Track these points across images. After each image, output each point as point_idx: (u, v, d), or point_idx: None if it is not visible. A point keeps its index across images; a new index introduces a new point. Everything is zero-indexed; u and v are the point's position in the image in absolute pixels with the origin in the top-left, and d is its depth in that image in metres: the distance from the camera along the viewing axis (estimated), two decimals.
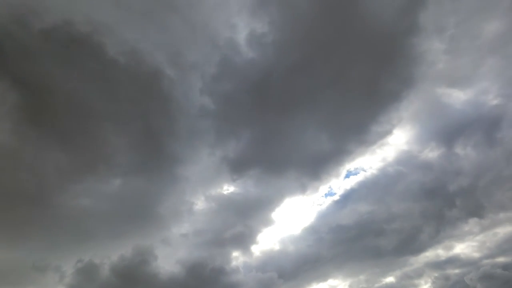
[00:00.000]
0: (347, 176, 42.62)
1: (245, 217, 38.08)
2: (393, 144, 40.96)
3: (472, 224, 38.82)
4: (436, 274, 39.76)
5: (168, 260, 31.90)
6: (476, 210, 37.57)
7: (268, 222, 39.90)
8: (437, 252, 40.44)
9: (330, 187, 42.63)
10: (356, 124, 34.79)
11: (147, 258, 29.65)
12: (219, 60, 28.69)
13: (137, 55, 24.49)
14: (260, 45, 29.36)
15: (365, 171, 42.32)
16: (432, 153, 39.45)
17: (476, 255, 39.30)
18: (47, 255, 27.29)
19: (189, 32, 28.55)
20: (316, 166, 36.73)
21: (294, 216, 42.87)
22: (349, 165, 40.48)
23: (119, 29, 24.13)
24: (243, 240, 38.16)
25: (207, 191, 36.00)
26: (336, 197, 42.57)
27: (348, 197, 42.08)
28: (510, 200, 36.74)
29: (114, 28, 23.70)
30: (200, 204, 36.21)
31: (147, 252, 29.94)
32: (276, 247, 40.93)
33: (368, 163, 42.06)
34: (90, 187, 28.78)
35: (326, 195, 43.27)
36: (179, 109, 28.25)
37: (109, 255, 29.02)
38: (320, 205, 42.87)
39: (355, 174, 42.83)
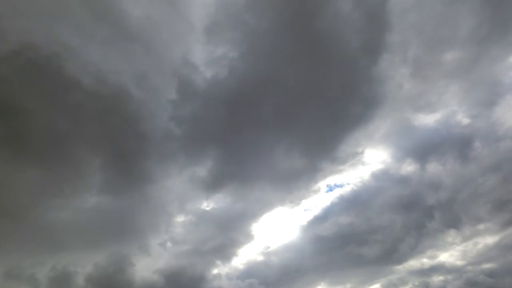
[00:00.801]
0: (327, 191, 43.21)
1: (225, 230, 38.51)
2: (369, 162, 41.99)
3: (452, 235, 39.91)
4: (420, 281, 39.69)
5: (146, 269, 32.07)
6: (454, 222, 38.94)
7: (248, 235, 40.21)
8: (422, 261, 40.78)
9: (310, 202, 42.91)
10: (325, 143, 35.58)
11: (124, 267, 29.85)
12: (179, 83, 29.36)
13: (101, 76, 25.16)
14: (221, 65, 30.14)
15: (342, 187, 43.03)
16: (409, 169, 40.57)
17: (460, 263, 39.69)
18: (21, 263, 27.38)
19: (150, 56, 29.24)
20: (290, 182, 37.26)
21: (275, 229, 43.02)
22: (324, 182, 40.92)
23: (82, 52, 24.77)
24: (224, 252, 38.51)
25: (184, 206, 36.41)
26: (317, 211, 42.90)
27: (328, 210, 42.49)
28: (486, 213, 37.97)
29: (77, 51, 24.37)
30: (178, 217, 36.72)
31: (124, 261, 30.19)
32: (258, 258, 40.91)
33: (345, 179, 42.77)
34: (66, 202, 29.39)
35: (306, 210, 43.41)
36: (147, 130, 28.87)
37: (85, 264, 29.15)
38: (302, 218, 43.25)
39: (333, 189, 43.47)
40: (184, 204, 35.75)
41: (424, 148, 38.76)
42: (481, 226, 39.42)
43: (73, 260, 28.98)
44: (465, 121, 38.39)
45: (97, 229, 30.93)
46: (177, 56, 29.25)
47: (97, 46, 25.34)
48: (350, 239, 40.78)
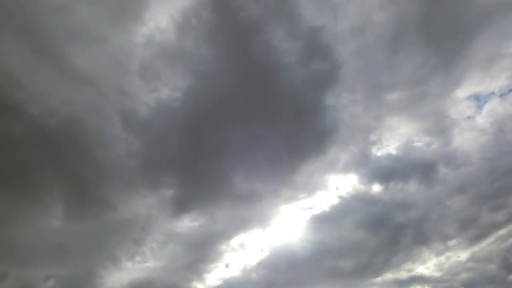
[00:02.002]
0: (294, 215, 43.48)
1: (196, 249, 39.02)
2: (336, 187, 42.72)
3: (426, 250, 41.57)
4: None
5: (114, 283, 32.28)
6: (426, 239, 40.92)
7: (220, 253, 40.62)
8: (400, 273, 41.83)
9: (280, 222, 43.12)
10: (284, 170, 36.03)
11: (90, 280, 29.92)
12: (122, 117, 29.23)
13: (51, 107, 25.26)
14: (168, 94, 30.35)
15: (311, 209, 43.52)
16: (376, 191, 41.84)
17: (437, 273, 40.95)
18: None
19: (96, 90, 28.68)
20: (254, 204, 37.75)
21: (248, 248, 42.79)
22: (289, 205, 41.42)
23: (25, 81, 24.64)
24: (196, 269, 39.06)
25: (151, 227, 36.54)
26: (288, 231, 43.21)
27: (300, 231, 42.99)
28: (454, 231, 40.29)
29: (21, 81, 24.24)
30: (146, 238, 36.91)
31: (90, 275, 30.36)
32: (232, 275, 41.18)
33: (311, 203, 43.18)
34: (29, 224, 29.68)
35: (277, 230, 43.56)
36: (104, 158, 29.10)
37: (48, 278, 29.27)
38: (274, 237, 43.62)
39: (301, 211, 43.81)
40: (151, 226, 35.97)
41: (390, 173, 40.36)
42: (452, 242, 41.28)
43: (37, 275, 29.29)
44: (424, 149, 40.48)
45: (62, 249, 31.17)
46: (118, 90, 29.16)
47: (44, 80, 25.38)
48: (325, 253, 41.75)
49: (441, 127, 38.43)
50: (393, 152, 40.64)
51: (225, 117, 30.89)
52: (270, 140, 33.22)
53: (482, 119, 39.38)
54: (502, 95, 38.60)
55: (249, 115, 31.71)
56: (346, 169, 40.50)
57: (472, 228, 39.40)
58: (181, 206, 34.60)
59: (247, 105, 31.13)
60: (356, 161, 39.91)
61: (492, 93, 38.80)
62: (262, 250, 42.68)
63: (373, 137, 39.05)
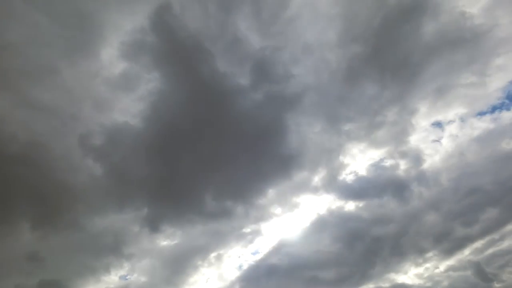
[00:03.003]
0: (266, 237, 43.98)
1: (172, 265, 39.08)
2: (310, 206, 43.46)
3: (405, 262, 42.77)
4: None
5: None
6: (404, 252, 42.16)
7: (197, 269, 40.54)
8: (382, 282, 42.34)
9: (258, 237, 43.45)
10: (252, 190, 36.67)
11: None
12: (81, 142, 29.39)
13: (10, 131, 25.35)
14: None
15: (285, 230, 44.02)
16: (352, 208, 43.34)
17: (419, 281, 41.98)
18: None
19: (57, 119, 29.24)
20: (227, 221, 37.78)
21: (227, 263, 42.73)
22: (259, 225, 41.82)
23: None
24: (174, 284, 38.87)
25: (127, 244, 36.35)
26: (266, 249, 43.65)
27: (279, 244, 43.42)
28: (429, 244, 41.70)
29: None
30: (123, 254, 36.67)
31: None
32: None
33: (286, 223, 43.59)
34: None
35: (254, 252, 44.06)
36: (74, 182, 29.30)
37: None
38: (253, 252, 43.91)
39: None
40: (127, 242, 35.84)
41: (363, 191, 42.00)
42: (429, 254, 42.49)
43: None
44: (393, 170, 42.48)
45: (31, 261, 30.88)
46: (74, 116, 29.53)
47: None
48: (304, 265, 41.95)
49: (406, 151, 40.94)
50: (363, 173, 42.86)
51: (187, 139, 31.06)
52: (236, 161, 33.70)
53: (445, 144, 42.75)
54: (462, 120, 42.28)
55: (210, 136, 31.93)
56: (318, 189, 41.79)
57: (447, 241, 40.92)
58: (155, 224, 34.60)
59: (205, 127, 31.40)
60: (328, 182, 41.40)
61: (451, 121, 42.41)
62: (241, 265, 43.04)
63: (340, 160, 40.79)
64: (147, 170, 30.81)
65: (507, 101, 41.35)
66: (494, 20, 35.48)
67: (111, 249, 35.64)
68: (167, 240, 38.79)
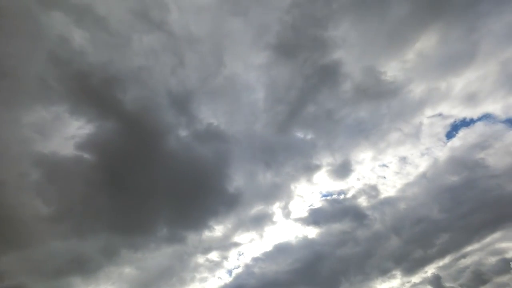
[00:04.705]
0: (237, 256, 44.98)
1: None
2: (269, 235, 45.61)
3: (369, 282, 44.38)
4: None
5: None
6: (369, 271, 43.87)
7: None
8: None
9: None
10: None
11: None
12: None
13: None
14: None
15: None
16: (314, 235, 45.87)
17: None
18: None
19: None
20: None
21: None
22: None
23: None
24: None
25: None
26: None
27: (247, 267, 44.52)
28: (392, 264, 43.61)
29: None
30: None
31: None
32: None
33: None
34: None
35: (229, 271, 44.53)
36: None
37: None
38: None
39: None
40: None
41: (323, 217, 45.33)
42: (392, 273, 43.88)
43: None
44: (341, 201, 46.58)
45: None
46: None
47: None
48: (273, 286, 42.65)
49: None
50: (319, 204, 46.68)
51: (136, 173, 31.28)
52: (184, 198, 34.57)
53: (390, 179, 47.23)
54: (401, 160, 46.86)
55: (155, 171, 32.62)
56: (278, 218, 45.13)
57: (408, 262, 43.02)
58: (114, 251, 34.59)
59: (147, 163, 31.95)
60: (286, 212, 45.13)
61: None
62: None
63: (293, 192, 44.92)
64: (103, 202, 30.53)
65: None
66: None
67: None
68: (126, 265, 38.13)
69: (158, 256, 37.43)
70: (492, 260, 41.53)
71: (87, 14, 28.01)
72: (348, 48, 39.40)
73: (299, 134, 44.52)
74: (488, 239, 41.66)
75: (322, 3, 35.96)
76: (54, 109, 30.56)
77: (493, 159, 42.11)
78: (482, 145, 43.04)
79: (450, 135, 45.57)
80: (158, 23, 32.40)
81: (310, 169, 43.84)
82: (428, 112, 44.16)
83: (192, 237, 37.30)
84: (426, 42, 40.17)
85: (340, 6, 36.46)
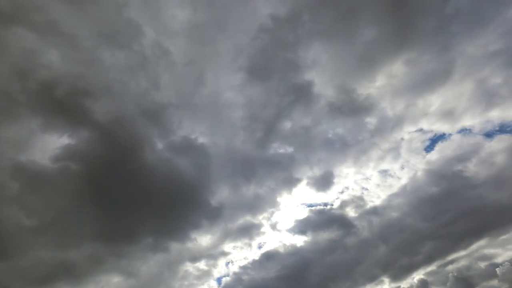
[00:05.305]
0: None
1: None
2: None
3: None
4: None
5: None
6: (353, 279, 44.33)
7: None
8: None
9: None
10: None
11: None
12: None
13: None
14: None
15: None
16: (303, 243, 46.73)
17: None
18: None
19: None
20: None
21: None
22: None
23: None
24: None
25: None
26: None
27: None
28: (379, 271, 44.26)
29: None
30: None
31: None
32: None
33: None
34: None
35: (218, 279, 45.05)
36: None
37: None
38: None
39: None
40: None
41: (310, 226, 46.50)
42: (380, 279, 44.52)
43: None
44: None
45: None
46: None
47: None
48: None
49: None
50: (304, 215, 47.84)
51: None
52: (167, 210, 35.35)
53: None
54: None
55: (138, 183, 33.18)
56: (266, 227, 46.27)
57: (391, 269, 43.87)
58: (100, 259, 35.11)
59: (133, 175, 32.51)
60: (273, 223, 46.48)
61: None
62: None
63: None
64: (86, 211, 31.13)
65: None
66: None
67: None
68: (114, 273, 38.47)
69: (143, 264, 38.02)
70: (481, 265, 42.50)
71: (53, 30, 28.82)
72: (320, 68, 41.88)
73: (279, 150, 46.54)
74: (474, 246, 42.69)
75: (288, 29, 38.44)
76: (26, 122, 31.56)
77: (473, 170, 43.48)
78: (460, 158, 44.61)
79: (428, 149, 47.38)
80: (130, 43, 33.82)
81: (291, 182, 45.77)
82: (409, 127, 46.14)
83: (176, 247, 38.08)
84: (396, 64, 42.34)
85: (307, 31, 38.94)
